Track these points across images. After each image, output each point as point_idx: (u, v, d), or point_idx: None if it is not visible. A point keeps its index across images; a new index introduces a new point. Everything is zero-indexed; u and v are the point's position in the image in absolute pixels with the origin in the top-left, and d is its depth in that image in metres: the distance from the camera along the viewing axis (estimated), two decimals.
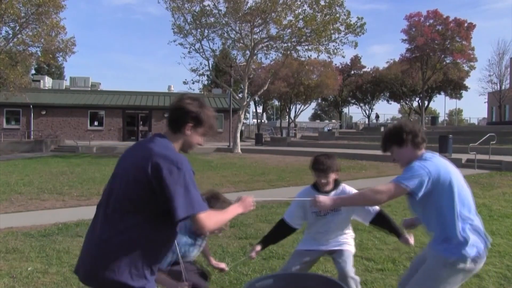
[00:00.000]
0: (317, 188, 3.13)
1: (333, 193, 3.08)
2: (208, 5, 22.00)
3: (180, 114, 1.96)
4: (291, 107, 41.56)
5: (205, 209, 1.84)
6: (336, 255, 3.12)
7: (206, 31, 22.61)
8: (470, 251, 2.25)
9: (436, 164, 2.29)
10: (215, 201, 2.58)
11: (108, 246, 1.80)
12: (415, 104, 44.27)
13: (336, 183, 3.15)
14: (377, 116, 46.89)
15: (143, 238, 1.82)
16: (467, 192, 2.36)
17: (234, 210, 2.10)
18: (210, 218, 1.86)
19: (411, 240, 3.01)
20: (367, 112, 47.26)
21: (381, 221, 3.10)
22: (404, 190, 2.23)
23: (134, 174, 1.83)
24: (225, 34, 22.89)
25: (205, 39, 22.88)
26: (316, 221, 3.15)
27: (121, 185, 1.87)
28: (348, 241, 3.24)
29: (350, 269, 3.01)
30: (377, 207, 3.06)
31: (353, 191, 3.14)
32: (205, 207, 1.86)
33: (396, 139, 2.40)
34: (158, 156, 1.81)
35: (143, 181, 1.80)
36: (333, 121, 58.65)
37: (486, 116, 46.27)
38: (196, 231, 2.65)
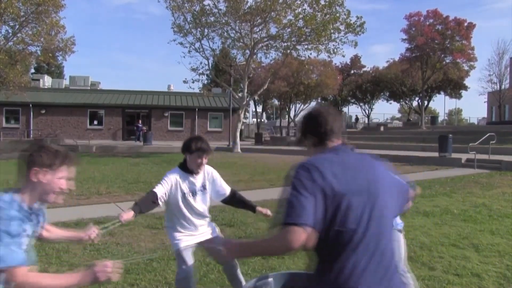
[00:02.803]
0: (189, 170, 3.17)
1: (201, 175, 3.26)
2: (208, 5, 22.02)
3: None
4: (291, 106, 41.53)
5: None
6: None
7: (206, 30, 22.58)
8: None
9: None
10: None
11: None
12: (415, 103, 44.27)
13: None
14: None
15: None
16: None
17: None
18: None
19: (267, 211, 3.29)
20: (367, 111, 47.28)
21: (235, 201, 3.40)
22: None
23: None
24: (225, 33, 22.87)
25: (205, 39, 22.87)
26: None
27: None
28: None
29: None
30: (229, 190, 3.40)
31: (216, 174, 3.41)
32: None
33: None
34: None
35: None
36: None
37: (485, 115, 46.29)
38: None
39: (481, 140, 15.58)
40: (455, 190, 9.41)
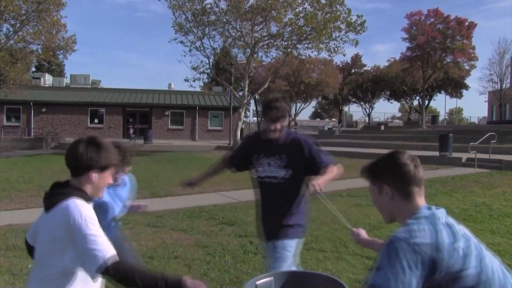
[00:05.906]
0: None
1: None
2: (209, 3, 22.02)
3: None
4: (292, 105, 41.52)
5: None
6: None
7: (207, 29, 22.58)
8: None
9: None
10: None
11: None
12: (415, 103, 44.23)
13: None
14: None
15: None
16: None
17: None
18: None
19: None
20: (368, 110, 47.25)
21: None
22: None
23: None
24: (226, 32, 22.86)
25: (205, 37, 22.87)
26: None
27: None
28: None
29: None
30: None
31: None
32: None
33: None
34: None
35: None
36: (333, 119, 58.56)
37: (486, 115, 46.23)
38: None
39: (481, 139, 15.56)
40: (455, 189, 9.42)
